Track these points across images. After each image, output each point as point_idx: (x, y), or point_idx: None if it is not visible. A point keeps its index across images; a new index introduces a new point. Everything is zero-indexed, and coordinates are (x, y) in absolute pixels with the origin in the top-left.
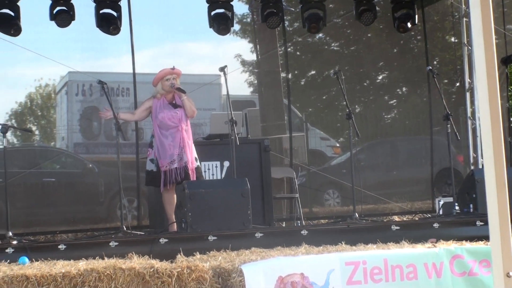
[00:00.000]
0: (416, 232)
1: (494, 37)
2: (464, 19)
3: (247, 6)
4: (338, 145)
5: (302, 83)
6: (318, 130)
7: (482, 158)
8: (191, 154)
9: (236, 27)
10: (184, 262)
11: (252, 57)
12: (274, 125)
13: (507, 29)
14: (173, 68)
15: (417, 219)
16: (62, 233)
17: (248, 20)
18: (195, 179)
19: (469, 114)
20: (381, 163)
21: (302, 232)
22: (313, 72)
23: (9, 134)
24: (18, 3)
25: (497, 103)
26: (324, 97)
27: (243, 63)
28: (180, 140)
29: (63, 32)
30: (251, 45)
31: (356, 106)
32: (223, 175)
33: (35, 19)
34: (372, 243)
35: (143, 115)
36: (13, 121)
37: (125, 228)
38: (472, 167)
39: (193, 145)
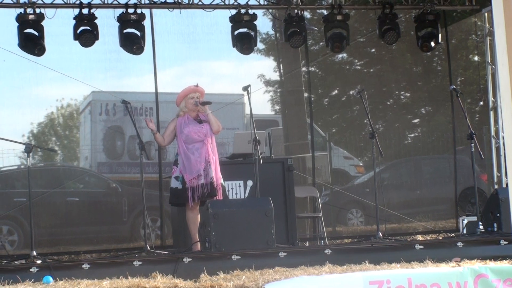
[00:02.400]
0: (440, 251)
1: None
2: (488, 37)
3: (271, 24)
4: (361, 164)
5: (325, 102)
6: (341, 149)
7: (506, 177)
8: (217, 169)
9: (260, 45)
10: (207, 281)
11: (276, 76)
12: (298, 145)
13: None
14: (197, 86)
15: (441, 238)
16: (85, 253)
17: (272, 37)
18: (221, 195)
19: (493, 133)
20: (405, 182)
21: (326, 251)
22: (336, 91)
23: (31, 154)
24: (42, 23)
25: None
26: (347, 116)
27: (267, 83)
28: (206, 155)
29: (86, 52)
30: (274, 64)
31: (379, 125)
32: (246, 195)
33: (59, 39)
34: (396, 262)
35: (170, 138)
36: (33, 141)
37: (148, 248)
38: (496, 186)
39: (218, 162)
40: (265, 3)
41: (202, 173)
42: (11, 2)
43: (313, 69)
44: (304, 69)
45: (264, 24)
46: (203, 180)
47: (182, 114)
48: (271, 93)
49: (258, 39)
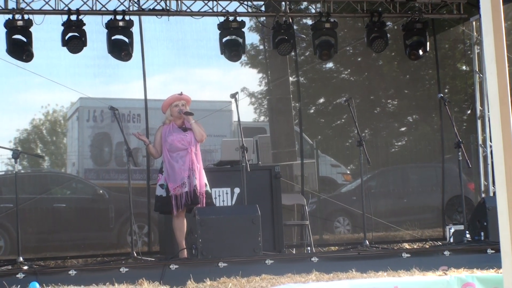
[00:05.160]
0: (427, 260)
1: (507, 64)
2: (476, 46)
3: (257, 35)
4: (348, 172)
5: (312, 110)
6: (328, 157)
7: (493, 186)
8: (201, 177)
9: (248, 55)
10: None
11: (262, 86)
12: (285, 152)
13: None
14: (181, 94)
15: (427, 246)
16: (72, 259)
17: (260, 47)
18: (204, 203)
19: (480, 141)
20: (392, 190)
21: (313, 259)
22: (323, 99)
23: (18, 160)
24: (30, 29)
25: (509, 130)
26: (333, 125)
27: (251, 95)
28: (189, 163)
29: (75, 57)
30: (260, 74)
31: (366, 133)
32: (233, 202)
33: (47, 45)
34: (382, 270)
35: (161, 148)
36: (20, 147)
37: (135, 254)
38: (483, 195)
39: (203, 169)
40: (254, 10)
41: (186, 181)
42: None
43: (300, 77)
44: (292, 78)
45: (251, 34)
46: (187, 188)
47: (168, 122)
48: (256, 104)
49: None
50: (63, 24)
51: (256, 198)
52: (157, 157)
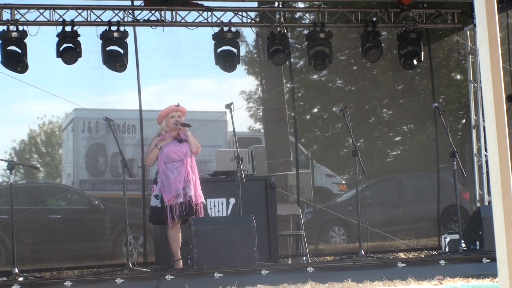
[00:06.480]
0: (422, 269)
1: (502, 73)
2: (470, 56)
3: (253, 43)
4: (343, 182)
5: (307, 120)
6: (323, 167)
7: (488, 195)
8: (196, 188)
9: (243, 64)
10: None
11: (258, 94)
12: (280, 162)
13: None
14: (178, 105)
15: (423, 256)
16: (68, 270)
17: (255, 54)
18: (202, 213)
19: (475, 151)
20: (387, 200)
21: (308, 269)
22: (317, 109)
23: (13, 171)
24: (25, 40)
25: (505, 140)
26: (327, 134)
27: (248, 99)
28: (185, 174)
29: (69, 68)
30: (256, 81)
31: (361, 143)
32: (229, 212)
33: (42, 56)
34: (378, 280)
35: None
36: (15, 158)
37: (131, 265)
38: (478, 204)
39: (198, 181)
40: (248, 21)
41: (181, 192)
42: None
43: (295, 86)
44: (288, 85)
45: (248, 40)
46: (182, 199)
47: (164, 133)
48: (253, 109)
49: (242, 55)
50: (57, 35)
51: (251, 208)
52: (151, 164)
